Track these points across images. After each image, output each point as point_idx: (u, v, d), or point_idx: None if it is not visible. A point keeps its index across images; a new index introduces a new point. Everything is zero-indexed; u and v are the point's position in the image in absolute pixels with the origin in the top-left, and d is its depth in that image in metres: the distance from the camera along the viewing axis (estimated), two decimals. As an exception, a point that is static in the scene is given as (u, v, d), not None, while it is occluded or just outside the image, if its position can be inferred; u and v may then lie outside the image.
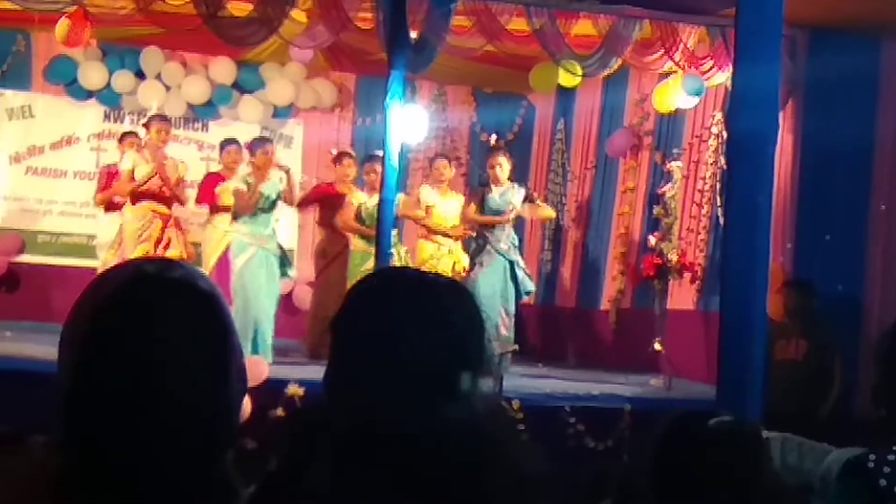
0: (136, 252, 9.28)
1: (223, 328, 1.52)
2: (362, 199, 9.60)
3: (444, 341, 1.56)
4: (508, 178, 9.66)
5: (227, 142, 10.13)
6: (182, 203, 9.89)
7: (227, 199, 9.35)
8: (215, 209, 9.79)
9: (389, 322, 1.58)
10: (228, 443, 1.51)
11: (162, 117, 10.03)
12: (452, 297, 1.64)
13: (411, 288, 1.64)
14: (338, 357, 1.62)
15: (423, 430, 1.49)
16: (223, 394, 1.49)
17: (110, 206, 10.10)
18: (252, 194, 8.89)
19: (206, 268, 9.59)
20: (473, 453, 1.49)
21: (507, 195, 9.54)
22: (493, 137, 11.03)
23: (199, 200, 10.23)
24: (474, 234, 9.66)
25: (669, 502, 2.08)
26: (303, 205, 10.34)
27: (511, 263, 9.43)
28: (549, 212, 10.33)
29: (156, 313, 1.48)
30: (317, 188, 10.54)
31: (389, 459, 1.47)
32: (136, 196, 9.48)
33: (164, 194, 9.59)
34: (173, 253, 9.44)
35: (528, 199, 9.71)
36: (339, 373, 1.61)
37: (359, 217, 9.61)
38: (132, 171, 9.45)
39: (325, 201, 10.11)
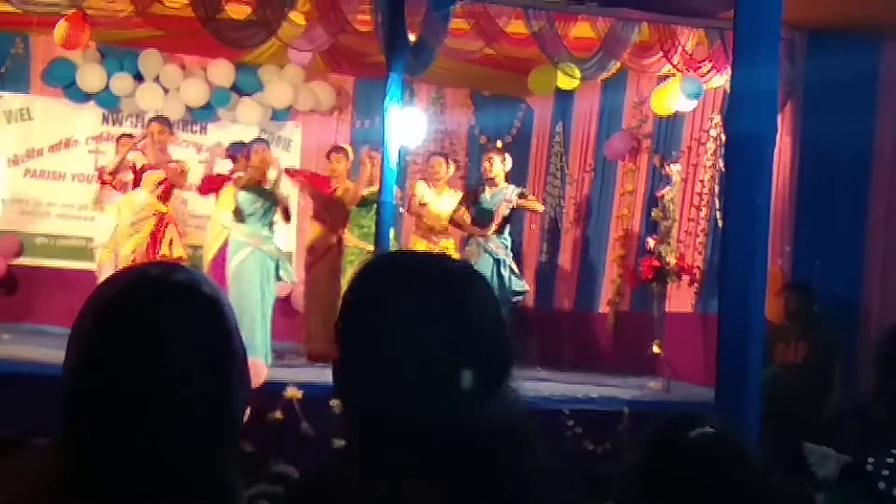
0: (127, 245, 9.31)
1: (225, 333, 1.52)
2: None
3: (462, 332, 1.51)
4: (504, 180, 9.69)
5: (233, 145, 10.17)
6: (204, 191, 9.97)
7: (226, 203, 9.37)
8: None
9: (402, 312, 1.52)
10: (229, 445, 1.51)
11: (162, 118, 10.04)
12: (467, 283, 1.57)
13: (423, 274, 1.57)
14: (346, 351, 1.57)
15: (439, 427, 1.47)
16: (224, 397, 1.49)
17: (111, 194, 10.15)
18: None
19: (204, 263, 9.62)
20: (495, 449, 1.48)
21: (499, 197, 9.58)
22: (498, 143, 11.13)
23: (201, 191, 10.15)
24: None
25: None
26: (292, 174, 10.28)
27: (498, 263, 9.45)
28: (537, 205, 10.24)
29: (157, 316, 1.48)
30: (311, 176, 10.49)
31: (406, 456, 1.46)
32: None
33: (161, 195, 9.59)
34: (179, 252, 9.45)
35: (521, 196, 9.73)
36: (349, 366, 1.57)
37: (344, 207, 9.74)
38: (132, 162, 9.54)
39: (318, 197, 10.09)
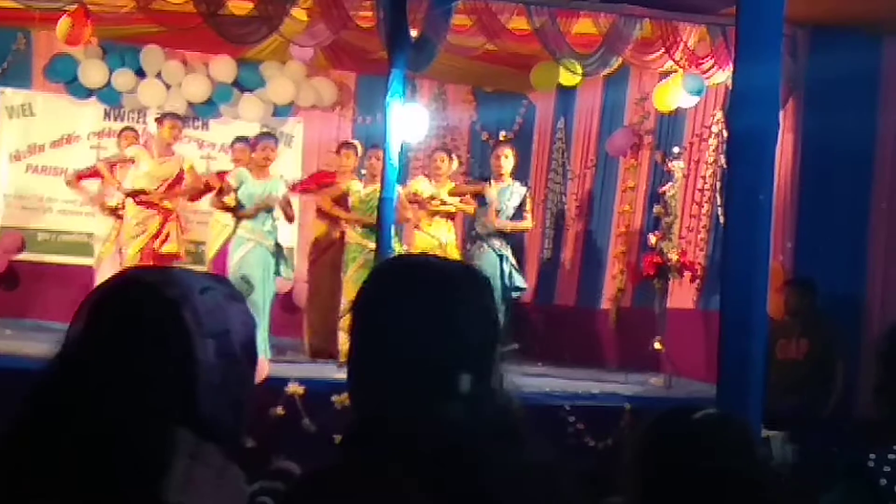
0: (133, 245, 9.31)
1: (182, 335, 1.54)
2: (355, 188, 9.59)
3: (458, 336, 1.54)
4: (511, 176, 9.69)
5: (238, 139, 10.18)
6: (193, 199, 9.94)
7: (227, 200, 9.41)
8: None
9: (400, 315, 1.56)
10: (194, 456, 1.51)
11: (175, 115, 10.06)
12: (469, 288, 1.61)
13: (426, 279, 1.61)
14: (353, 351, 1.62)
15: (431, 427, 1.48)
16: (183, 407, 1.52)
17: (104, 208, 10.10)
18: (227, 198, 8.99)
19: (208, 259, 9.63)
20: (480, 450, 1.48)
21: (505, 194, 9.58)
22: (502, 134, 11.15)
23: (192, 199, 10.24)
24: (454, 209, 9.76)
25: (659, 499, 2.08)
26: (300, 188, 10.33)
27: (501, 258, 9.47)
28: (526, 225, 10.11)
29: (121, 325, 1.53)
30: (315, 175, 10.53)
31: (398, 455, 1.46)
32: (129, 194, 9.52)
33: (166, 196, 9.59)
34: (170, 248, 9.46)
35: (521, 205, 9.72)
36: (354, 366, 1.61)
37: (344, 203, 9.63)
38: (130, 160, 9.50)
39: (324, 191, 10.11)
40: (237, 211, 9.04)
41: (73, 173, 10.58)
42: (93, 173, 10.27)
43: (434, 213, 9.72)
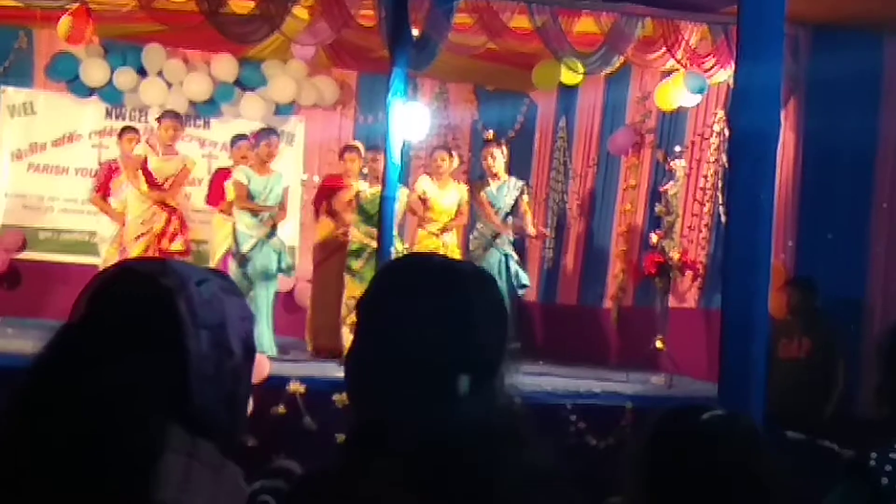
0: (136, 246, 9.29)
1: (175, 324, 1.54)
2: (361, 188, 9.54)
3: (464, 337, 1.54)
4: (506, 172, 9.67)
5: (239, 137, 10.18)
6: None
7: (231, 195, 9.41)
8: (224, 208, 9.81)
9: (406, 315, 1.55)
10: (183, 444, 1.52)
11: (173, 115, 10.04)
12: (477, 288, 1.60)
13: (433, 279, 1.60)
14: (357, 347, 1.61)
15: (430, 428, 1.48)
16: (170, 403, 1.52)
17: (107, 194, 10.10)
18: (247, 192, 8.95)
19: (213, 262, 9.60)
20: (481, 451, 1.48)
21: (503, 190, 9.57)
22: (490, 133, 11.09)
23: (209, 202, 10.21)
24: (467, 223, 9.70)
25: (662, 498, 2.08)
26: (317, 202, 10.31)
27: (505, 256, 9.46)
28: (530, 231, 10.04)
29: (113, 313, 1.54)
30: (324, 184, 10.51)
31: (399, 456, 1.46)
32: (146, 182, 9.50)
33: (170, 189, 9.59)
34: (178, 246, 9.43)
35: (517, 202, 9.70)
36: (357, 364, 1.60)
37: (357, 205, 9.59)
38: (144, 159, 9.46)
39: (330, 193, 10.09)
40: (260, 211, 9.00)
41: (96, 191, 10.35)
42: (105, 182, 10.19)
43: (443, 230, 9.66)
